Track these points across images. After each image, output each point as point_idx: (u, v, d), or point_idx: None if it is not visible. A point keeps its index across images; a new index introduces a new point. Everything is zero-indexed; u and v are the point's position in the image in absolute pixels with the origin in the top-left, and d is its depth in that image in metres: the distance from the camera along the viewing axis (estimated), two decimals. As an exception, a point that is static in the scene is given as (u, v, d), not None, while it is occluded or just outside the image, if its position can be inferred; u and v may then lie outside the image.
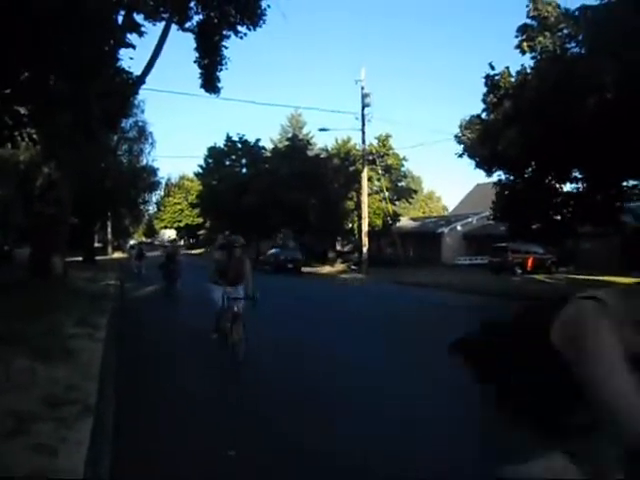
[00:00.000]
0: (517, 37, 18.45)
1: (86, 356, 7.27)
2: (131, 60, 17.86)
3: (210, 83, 22.49)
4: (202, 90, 22.77)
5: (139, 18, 12.31)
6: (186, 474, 4.05)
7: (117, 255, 49.74)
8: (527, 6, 18.09)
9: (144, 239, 76.14)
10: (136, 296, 17.37)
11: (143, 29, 10.06)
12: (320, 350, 9.07)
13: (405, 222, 46.80)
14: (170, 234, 79.28)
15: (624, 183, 18.55)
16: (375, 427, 5.14)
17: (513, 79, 19.03)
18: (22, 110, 8.18)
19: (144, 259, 24.73)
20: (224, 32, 21.43)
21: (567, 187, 20.85)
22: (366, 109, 32.10)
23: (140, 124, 41.11)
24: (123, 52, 11.11)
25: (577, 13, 16.55)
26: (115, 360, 7.62)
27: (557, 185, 20.44)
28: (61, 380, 5.86)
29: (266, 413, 5.51)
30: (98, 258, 38.50)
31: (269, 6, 21.00)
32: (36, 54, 7.01)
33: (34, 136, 10.32)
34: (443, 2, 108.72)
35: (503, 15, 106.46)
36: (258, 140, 43.51)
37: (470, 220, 42.37)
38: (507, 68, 19.45)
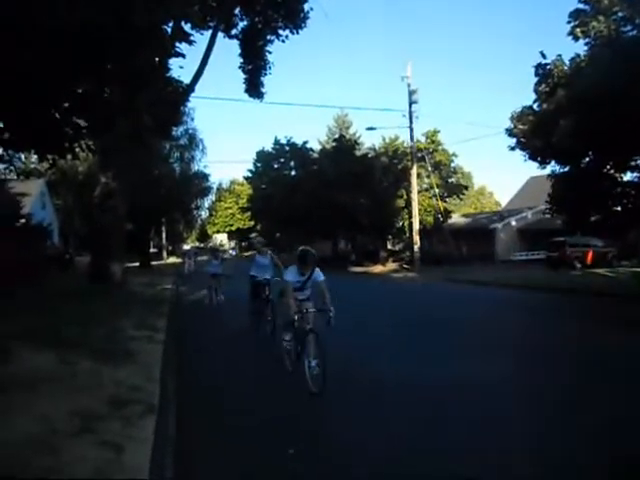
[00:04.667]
0: (569, 23, 17.81)
1: (147, 358, 7.49)
2: (181, 69, 18.30)
3: (254, 88, 22.85)
4: (247, 95, 23.18)
5: (187, 27, 12.59)
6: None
7: (172, 260, 51.08)
8: (579, -10, 17.48)
9: (197, 244, 77.85)
10: (192, 300, 17.74)
11: (192, 38, 10.25)
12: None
13: (457, 219, 46.02)
14: (222, 238, 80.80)
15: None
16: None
17: (566, 67, 18.40)
18: (81, 122, 8.53)
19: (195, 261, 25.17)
20: (268, 37, 21.73)
21: (627, 176, 19.98)
22: (413, 106, 31.77)
23: (190, 131, 42.17)
24: (173, 61, 11.37)
25: (633, -6, 15.86)
26: (175, 361, 7.81)
27: (616, 174, 19.61)
28: (124, 381, 6.06)
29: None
30: (154, 263, 39.70)
31: (312, 8, 21.17)
32: (91, 68, 7.29)
33: (92, 147, 10.74)
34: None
35: (554, 1, 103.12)
36: (305, 142, 43.70)
37: (524, 215, 41.23)
38: (559, 56, 18.83)
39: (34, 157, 30.50)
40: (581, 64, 17.46)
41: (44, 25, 6.14)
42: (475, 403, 5.64)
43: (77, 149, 9.03)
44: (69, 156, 9.29)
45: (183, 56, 9.93)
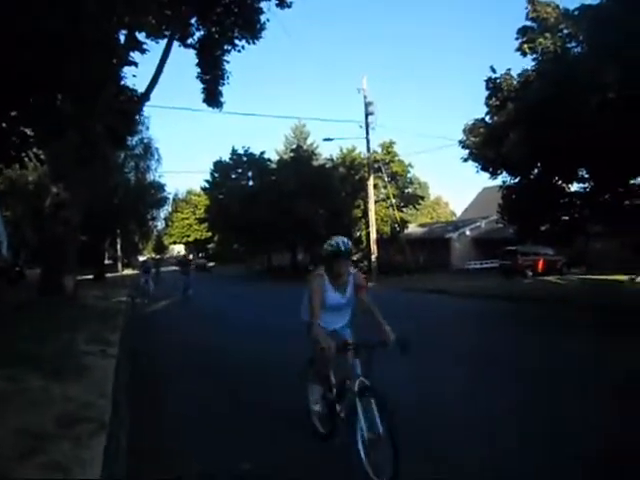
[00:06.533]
0: (517, 39, 18.42)
1: (99, 373, 7.29)
2: (134, 77, 18.05)
3: (212, 98, 22.73)
4: (205, 105, 23.03)
5: (141, 36, 12.44)
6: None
7: (127, 272, 49.97)
8: (526, 8, 18.10)
9: (154, 255, 76.53)
10: (147, 312, 17.41)
11: (145, 47, 10.14)
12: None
13: (413, 229, 46.73)
14: (179, 249, 79.63)
15: (632, 181, 18.42)
16: None
17: (515, 81, 19.00)
18: (28, 131, 8.28)
19: (153, 274, 25.02)
20: (225, 46, 21.67)
21: (574, 187, 20.73)
22: (370, 117, 32.14)
23: (146, 141, 41.64)
24: (126, 70, 11.21)
25: (577, 13, 16.52)
26: (128, 376, 7.63)
27: (564, 185, 20.31)
28: (75, 398, 5.88)
29: None
30: (108, 275, 38.73)
31: (268, 20, 21.26)
32: (39, 76, 7.10)
33: (41, 156, 10.43)
34: (443, 7, 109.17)
35: (504, 17, 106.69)
36: (263, 152, 43.70)
37: (478, 224, 42.25)
38: (509, 70, 19.43)
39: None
40: (529, 79, 18.06)
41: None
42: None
43: (25, 158, 8.74)
44: (16, 165, 8.99)
45: (136, 65, 9.81)
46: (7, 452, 4.18)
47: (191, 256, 78.62)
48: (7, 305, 15.04)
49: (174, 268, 42.73)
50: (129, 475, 4.19)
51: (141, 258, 40.89)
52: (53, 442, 4.48)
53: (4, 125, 7.91)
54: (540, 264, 28.43)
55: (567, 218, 19.82)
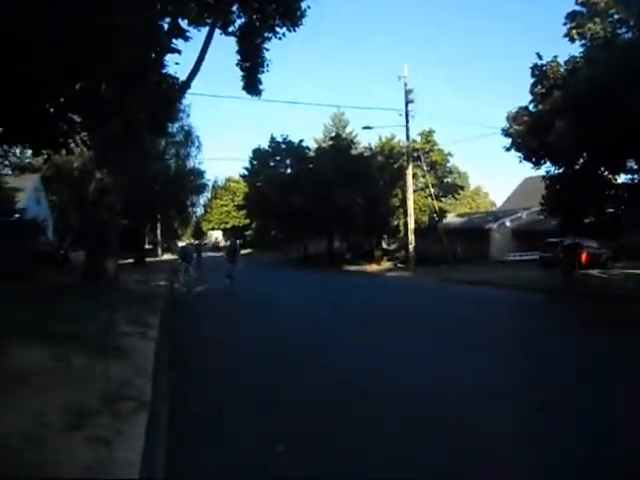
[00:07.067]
0: (566, 25, 17.86)
1: (139, 354, 7.49)
2: (177, 65, 18.20)
3: (252, 85, 22.80)
4: (245, 92, 23.14)
5: (184, 24, 12.56)
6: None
7: (166, 257, 50.98)
8: (575, -8, 17.52)
9: (192, 240, 77.82)
10: (189, 299, 17.73)
11: (188, 34, 10.23)
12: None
13: (452, 218, 46.09)
14: (217, 235, 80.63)
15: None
16: None
17: (562, 68, 18.44)
18: (75, 117, 8.51)
19: (195, 259, 23.60)
20: (265, 34, 21.68)
21: (621, 178, 20.05)
22: (409, 105, 31.76)
23: (186, 128, 42.06)
24: (169, 57, 11.33)
25: (628, -3, 15.92)
26: (167, 358, 7.81)
27: (611, 176, 19.66)
28: (116, 377, 6.06)
29: None
30: (148, 260, 39.59)
31: (309, 7, 21.12)
32: (85, 63, 7.27)
33: (88, 142, 10.71)
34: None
35: (550, 3, 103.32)
36: (301, 141, 43.72)
37: (519, 215, 41.34)
38: (555, 57, 18.87)
39: (29, 152, 30.39)
40: (577, 65, 17.50)
41: (42, 23, 6.13)
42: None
43: (72, 144, 8.99)
44: (63, 151, 9.25)
45: (179, 52, 9.90)
46: (55, 426, 4.35)
47: (228, 242, 79.49)
48: (51, 287, 15.58)
49: (212, 254, 43.27)
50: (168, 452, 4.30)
51: (180, 243, 41.49)
52: (97, 418, 4.64)
53: (52, 111, 8.14)
54: (584, 257, 27.63)
55: (612, 210, 19.20)
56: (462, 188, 49.02)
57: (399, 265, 35.00)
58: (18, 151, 32.02)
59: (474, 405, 5.55)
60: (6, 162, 30.15)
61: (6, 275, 15.15)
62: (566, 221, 20.84)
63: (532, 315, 13.91)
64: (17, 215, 21.25)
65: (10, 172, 33.37)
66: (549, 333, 10.64)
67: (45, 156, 9.71)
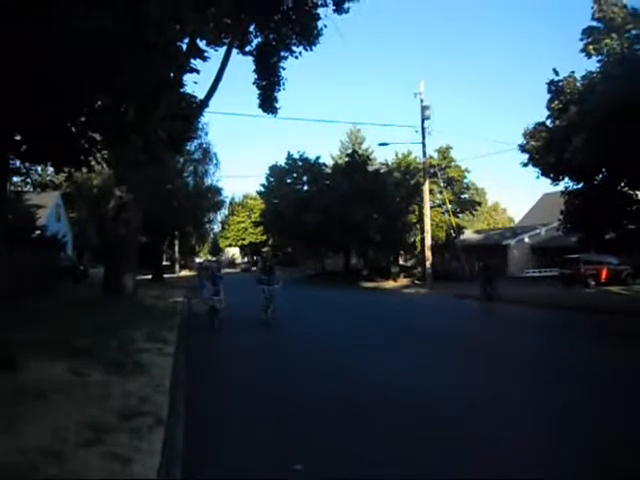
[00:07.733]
0: (582, 40, 17.89)
1: (156, 370, 7.51)
2: (195, 84, 18.56)
3: (268, 103, 23.09)
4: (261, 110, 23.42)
5: (202, 44, 12.79)
6: None
7: (184, 273, 51.31)
8: (592, 8, 17.53)
9: (209, 257, 78.23)
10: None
11: (206, 54, 10.40)
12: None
13: (469, 235, 45.84)
14: (234, 252, 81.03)
15: None
16: None
17: (579, 84, 18.40)
18: (96, 136, 8.66)
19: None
20: (281, 53, 21.99)
21: (642, 194, 19.82)
22: (426, 122, 31.79)
23: (204, 146, 42.57)
24: (187, 77, 11.53)
25: (645, 12, 15.89)
26: (184, 375, 7.82)
27: (631, 192, 19.44)
28: (133, 393, 6.08)
29: None
30: (166, 276, 39.87)
31: (325, 25, 21.40)
32: (107, 82, 7.41)
33: (107, 159, 10.89)
34: (503, 9, 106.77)
35: (566, 19, 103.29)
36: (318, 157, 44.00)
37: (538, 231, 40.98)
38: (572, 73, 18.86)
39: (50, 170, 30.99)
40: (594, 81, 17.45)
41: (63, 33, 6.23)
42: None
43: (92, 162, 9.15)
44: (84, 169, 9.42)
45: (197, 72, 10.06)
46: (72, 441, 4.37)
47: (246, 259, 79.46)
48: (70, 302, 15.75)
49: (228, 270, 43.19)
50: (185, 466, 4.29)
51: (197, 260, 41.78)
52: (114, 434, 4.65)
53: (74, 130, 8.29)
54: (604, 273, 27.22)
55: (634, 227, 18.95)
56: (479, 204, 48.79)
57: (416, 282, 34.80)
58: (40, 169, 32.72)
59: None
60: (28, 180, 30.79)
61: (28, 291, 15.37)
62: (586, 237, 20.62)
63: (547, 331, 13.60)
64: (38, 232, 21.58)
65: (32, 189, 34.06)
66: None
67: (66, 174, 9.87)
